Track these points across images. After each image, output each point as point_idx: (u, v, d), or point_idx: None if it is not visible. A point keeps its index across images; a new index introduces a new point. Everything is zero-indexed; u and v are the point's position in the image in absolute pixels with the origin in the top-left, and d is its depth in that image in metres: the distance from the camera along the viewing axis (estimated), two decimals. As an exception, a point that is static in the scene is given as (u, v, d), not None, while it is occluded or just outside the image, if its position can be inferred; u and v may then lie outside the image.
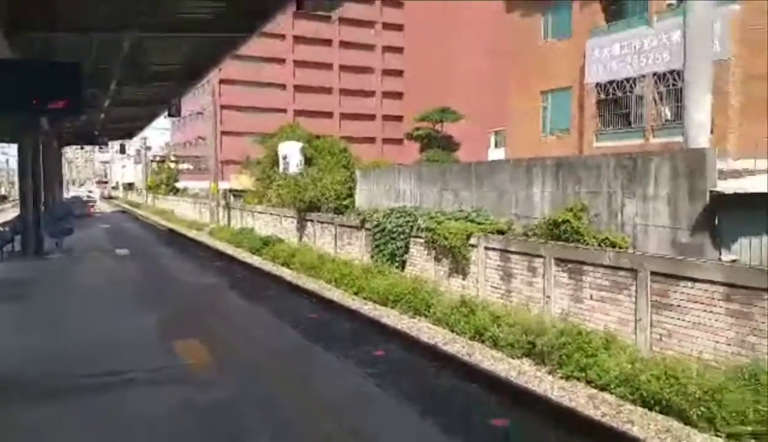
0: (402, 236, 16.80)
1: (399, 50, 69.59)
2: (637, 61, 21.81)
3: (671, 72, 20.34)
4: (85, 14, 12.00)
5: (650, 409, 8.69)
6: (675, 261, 9.96)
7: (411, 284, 15.12)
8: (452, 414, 8.59)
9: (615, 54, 22.58)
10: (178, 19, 13.05)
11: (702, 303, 9.30)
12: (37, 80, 10.33)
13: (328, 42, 67.88)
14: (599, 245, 11.42)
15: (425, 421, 7.45)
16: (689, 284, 9.51)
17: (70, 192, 73.18)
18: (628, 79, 22.53)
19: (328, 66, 68.87)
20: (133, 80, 18.33)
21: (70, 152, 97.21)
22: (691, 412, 8.18)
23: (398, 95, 69.26)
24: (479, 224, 14.44)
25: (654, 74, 21.43)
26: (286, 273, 21.22)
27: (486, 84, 52.06)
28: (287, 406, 6.11)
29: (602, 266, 10.96)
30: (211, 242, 31.92)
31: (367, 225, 18.80)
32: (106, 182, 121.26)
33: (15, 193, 67.72)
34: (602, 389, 9.46)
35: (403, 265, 16.86)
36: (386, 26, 71.46)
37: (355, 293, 16.85)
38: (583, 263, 11.35)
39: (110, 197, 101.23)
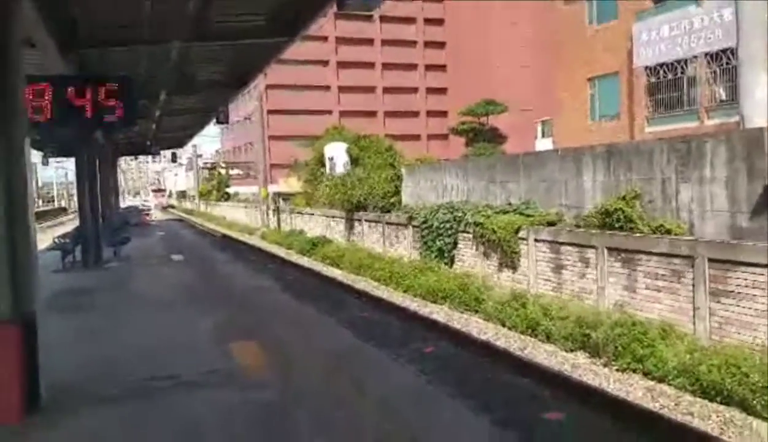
0: (449, 232, 16.71)
1: (441, 45, 69.35)
2: (687, 42, 21.20)
3: (724, 51, 19.69)
4: (133, 28, 12.30)
5: (711, 400, 8.47)
6: (733, 246, 9.65)
7: (460, 280, 15.04)
8: (506, 409, 8.51)
9: (664, 35, 21.99)
10: (223, 28, 13.25)
11: (763, 289, 8.99)
12: (91, 94, 10.58)
13: (370, 41, 67.98)
14: (653, 232, 11.13)
15: (479, 416, 7.41)
16: (749, 269, 9.19)
17: (125, 202, 75.09)
18: (678, 61, 21.93)
19: (371, 65, 68.99)
20: (182, 90, 18.67)
21: (124, 163, 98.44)
22: (754, 402, 7.95)
23: (442, 91, 68.97)
24: (528, 216, 14.25)
25: (706, 54, 20.80)
26: (336, 273, 21.36)
27: (530, 74, 51.50)
28: (342, 404, 6.15)
29: (657, 253, 10.69)
30: (262, 245, 32.39)
31: (414, 222, 18.77)
32: (163, 191, 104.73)
33: (74, 205, 69.91)
34: (660, 380, 9.27)
35: (451, 261, 16.78)
36: (427, 21, 71.19)
37: (405, 291, 16.85)
38: (636, 251, 11.08)
39: (170, 207, 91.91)
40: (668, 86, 22.70)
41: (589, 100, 26.61)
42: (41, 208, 75.95)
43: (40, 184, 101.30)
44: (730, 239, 10.14)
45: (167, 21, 11.85)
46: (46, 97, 10.20)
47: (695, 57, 21.27)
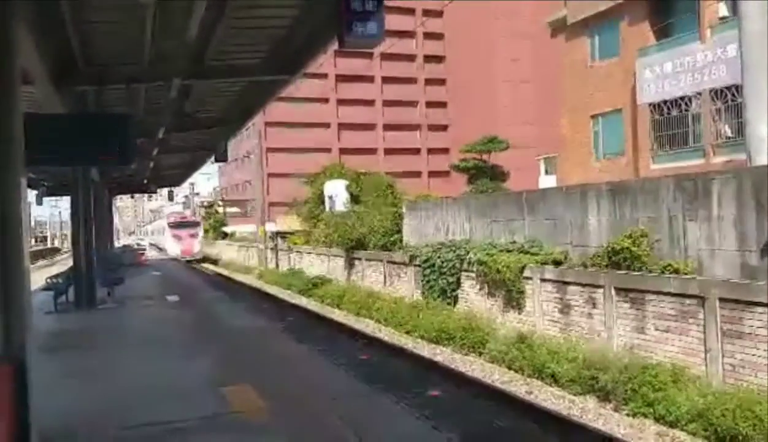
0: (452, 271, 16.44)
1: (442, 82, 69.88)
2: (691, 78, 21.11)
3: (728, 87, 19.59)
4: (132, 65, 12.20)
5: (725, 446, 8.21)
6: (744, 286, 9.44)
7: (464, 321, 14.77)
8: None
9: (667, 72, 21.93)
10: (223, 65, 13.17)
11: (778, 330, 8.73)
12: (87, 132, 10.46)
13: (370, 78, 68.47)
14: (662, 271, 10.91)
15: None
16: (762, 310, 8.96)
17: (121, 241, 74.27)
18: (683, 98, 21.83)
19: (371, 102, 69.43)
20: (181, 127, 18.56)
21: (120, 201, 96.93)
22: (770, 448, 7.69)
23: (443, 128, 69.36)
24: (533, 254, 14.01)
25: (711, 90, 20.70)
26: (336, 313, 21.06)
27: (532, 111, 51.83)
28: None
29: (666, 293, 10.46)
30: (260, 285, 32.09)
31: (416, 261, 18.50)
32: (192, 224, 55.82)
33: (67, 244, 69.28)
34: (672, 425, 9.07)
35: (454, 300, 16.48)
36: (428, 58, 71.87)
37: (407, 332, 16.56)
38: (645, 291, 10.86)
39: (208, 261, 53.06)
40: (673, 123, 22.57)
41: (593, 137, 26.50)
42: (34, 248, 75.30)
43: (33, 223, 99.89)
44: (741, 278, 9.92)
45: (167, 58, 11.75)
46: (42, 135, 10.07)
47: (699, 94, 21.17)
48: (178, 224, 54.29)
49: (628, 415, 9.70)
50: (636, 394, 9.72)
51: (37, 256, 59.07)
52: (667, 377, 9.67)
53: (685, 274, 10.62)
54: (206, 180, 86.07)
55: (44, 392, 6.52)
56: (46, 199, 37.81)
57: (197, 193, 79.05)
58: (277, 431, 6.47)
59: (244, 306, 20.14)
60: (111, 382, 8.76)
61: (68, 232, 45.84)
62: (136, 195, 76.41)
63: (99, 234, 22.35)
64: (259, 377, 8.57)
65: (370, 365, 13.63)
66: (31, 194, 33.36)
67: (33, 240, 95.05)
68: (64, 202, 61.17)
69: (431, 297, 17.18)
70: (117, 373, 9.31)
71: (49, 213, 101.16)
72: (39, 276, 21.39)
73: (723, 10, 20.76)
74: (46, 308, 15.36)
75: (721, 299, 9.55)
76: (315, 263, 29.35)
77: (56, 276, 17.65)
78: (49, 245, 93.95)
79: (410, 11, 65.75)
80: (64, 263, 36.41)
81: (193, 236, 52.68)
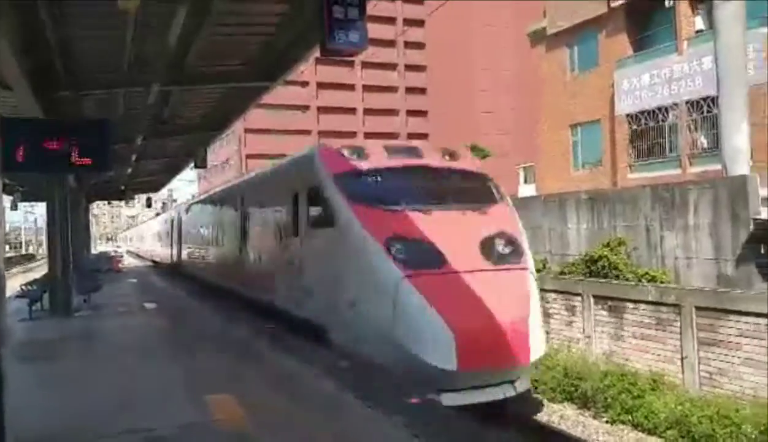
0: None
1: (422, 91, 70.12)
2: (668, 90, 21.39)
3: (705, 99, 19.88)
4: (112, 72, 12.12)
5: (703, 452, 8.31)
6: (719, 294, 9.59)
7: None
8: (495, 465, 8.18)
9: (645, 84, 22.20)
10: (203, 71, 13.12)
11: (753, 338, 8.86)
12: (65, 138, 10.37)
13: (351, 86, 68.61)
14: (639, 280, 11.04)
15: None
16: (737, 318, 9.10)
17: (98, 247, 73.31)
18: (660, 109, 22.11)
19: (352, 110, 69.48)
20: (160, 133, 18.43)
21: (97, 208, 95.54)
22: (748, 453, 7.79)
23: (424, 136, 69.53)
24: (512, 263, 14.05)
25: (687, 102, 20.98)
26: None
27: (512, 119, 52.17)
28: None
29: (643, 302, 10.60)
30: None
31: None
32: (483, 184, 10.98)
33: (42, 251, 68.17)
34: (650, 432, 9.19)
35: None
36: (408, 67, 72.17)
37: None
38: (622, 299, 10.97)
39: None
40: (650, 134, 22.84)
41: (572, 146, 26.75)
42: (7, 255, 74.02)
43: (8, 229, 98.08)
44: (717, 286, 10.07)
45: (147, 64, 11.69)
46: (19, 140, 9.96)
47: (676, 105, 21.46)
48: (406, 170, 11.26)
49: (606, 422, 9.78)
50: (615, 401, 9.81)
51: (10, 263, 57.99)
52: (645, 384, 9.79)
53: (662, 282, 10.76)
54: (187, 184, 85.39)
55: (19, 402, 6.40)
56: (21, 205, 37.21)
57: (175, 200, 78.43)
58: (260, 438, 6.41)
59: (222, 313, 20.01)
60: (88, 390, 8.60)
61: (44, 238, 45.11)
62: (114, 202, 75.89)
63: (75, 241, 22.05)
64: (239, 386, 8.47)
65: (353, 373, 13.54)
66: (6, 200, 32.88)
67: (7, 246, 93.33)
68: (40, 208, 60.31)
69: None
70: (94, 381, 9.14)
71: (23, 219, 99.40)
72: (15, 283, 21.07)
73: (699, 23, 21.10)
74: (20, 316, 15.07)
75: (697, 308, 9.68)
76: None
77: (31, 283, 17.29)
78: (23, 252, 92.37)
79: (392, 20, 66.05)
80: (39, 270, 35.80)
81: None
